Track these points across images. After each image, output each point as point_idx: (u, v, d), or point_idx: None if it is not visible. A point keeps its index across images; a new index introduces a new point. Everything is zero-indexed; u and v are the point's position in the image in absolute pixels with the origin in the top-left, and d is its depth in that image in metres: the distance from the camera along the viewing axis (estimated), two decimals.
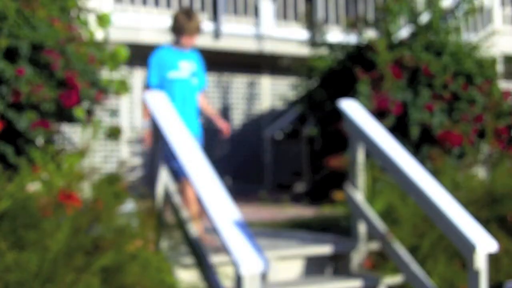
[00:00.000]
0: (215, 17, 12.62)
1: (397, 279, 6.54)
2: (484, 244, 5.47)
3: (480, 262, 5.46)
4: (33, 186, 5.37)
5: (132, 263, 5.12)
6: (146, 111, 6.29)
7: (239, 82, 14.34)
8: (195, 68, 6.79)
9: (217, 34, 12.52)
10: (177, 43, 6.70)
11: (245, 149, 14.27)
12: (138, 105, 12.21)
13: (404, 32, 10.48)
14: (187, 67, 6.67)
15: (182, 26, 6.56)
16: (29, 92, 6.26)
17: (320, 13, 13.59)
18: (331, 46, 10.78)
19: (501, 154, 9.79)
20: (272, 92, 14.67)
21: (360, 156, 6.90)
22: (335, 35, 11.50)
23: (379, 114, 9.24)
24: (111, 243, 5.13)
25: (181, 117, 6.29)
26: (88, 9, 7.59)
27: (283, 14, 13.69)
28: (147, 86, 6.60)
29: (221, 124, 7.06)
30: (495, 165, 9.17)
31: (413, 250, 6.56)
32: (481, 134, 10.08)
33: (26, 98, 6.26)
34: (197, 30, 6.63)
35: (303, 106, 11.08)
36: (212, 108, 7.18)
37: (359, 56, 10.14)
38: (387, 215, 6.87)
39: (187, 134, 5.82)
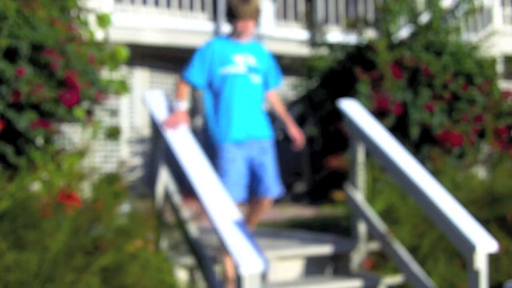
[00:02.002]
0: (215, 17, 12.61)
1: (397, 279, 6.54)
2: (484, 244, 5.47)
3: (480, 262, 5.47)
4: (33, 186, 5.38)
5: (132, 263, 5.12)
6: (180, 92, 5.79)
7: None
8: (256, 62, 5.86)
9: (217, 34, 12.50)
10: (233, 33, 5.84)
11: None
12: (138, 105, 12.20)
13: (404, 32, 10.48)
14: (244, 61, 5.78)
15: (236, 10, 5.67)
16: (29, 92, 6.26)
17: (320, 13, 13.58)
18: (331, 46, 10.78)
19: (501, 154, 9.79)
20: None
21: (360, 156, 6.90)
22: (335, 35, 11.49)
23: (379, 114, 9.24)
24: (111, 243, 5.13)
25: (235, 119, 5.72)
26: (88, 9, 7.58)
27: (283, 14, 13.68)
28: (182, 79, 5.82)
29: (293, 132, 6.18)
30: (495, 165, 9.18)
31: (413, 250, 6.56)
32: (481, 134, 10.07)
33: (26, 98, 6.26)
34: (255, 14, 5.71)
35: (303, 106, 11.08)
36: (285, 111, 6.29)
37: (359, 56, 10.14)
38: (387, 215, 6.88)
39: (186, 133, 5.82)
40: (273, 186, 5.81)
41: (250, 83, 5.80)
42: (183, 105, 5.80)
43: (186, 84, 5.81)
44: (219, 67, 5.74)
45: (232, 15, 5.74)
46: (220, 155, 5.71)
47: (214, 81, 5.76)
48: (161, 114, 5.97)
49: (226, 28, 12.54)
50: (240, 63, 5.76)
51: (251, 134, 5.80)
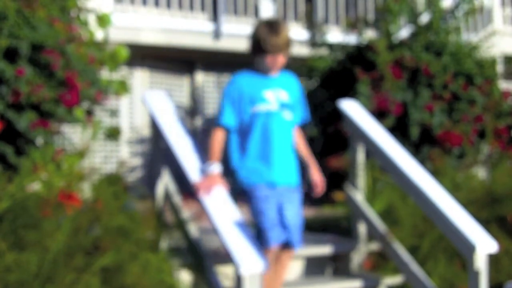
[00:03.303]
0: (215, 17, 12.61)
1: (397, 279, 6.54)
2: (484, 244, 5.47)
3: (480, 263, 5.46)
4: (33, 186, 5.37)
5: (132, 264, 5.12)
6: (214, 147, 5.24)
7: None
8: (288, 96, 5.28)
9: (217, 34, 12.50)
10: (260, 66, 5.22)
11: None
12: (138, 106, 12.20)
13: (404, 32, 10.48)
14: (275, 97, 5.21)
15: (264, 43, 5.03)
16: (29, 92, 6.25)
17: (320, 13, 13.58)
18: (331, 46, 10.77)
19: (501, 154, 9.79)
20: None
21: (360, 156, 6.90)
22: (335, 35, 11.49)
23: (379, 114, 9.24)
24: (111, 243, 5.13)
25: (268, 163, 5.20)
26: (88, 9, 7.58)
27: (283, 14, 13.67)
28: (218, 125, 5.26)
29: (316, 177, 5.61)
30: (495, 165, 9.18)
31: (413, 251, 6.56)
32: (481, 134, 10.07)
33: (26, 98, 6.26)
34: (286, 46, 5.09)
35: None
36: (308, 151, 5.68)
37: (359, 56, 10.13)
38: (387, 215, 6.88)
39: (184, 133, 5.81)
40: (297, 238, 5.26)
41: (282, 121, 5.22)
42: (217, 167, 5.21)
43: (222, 130, 5.23)
44: (248, 105, 5.17)
45: (259, 49, 5.09)
46: (253, 195, 5.18)
47: (244, 120, 5.20)
48: (161, 114, 5.96)
49: (226, 28, 12.55)
50: (272, 99, 5.17)
51: (282, 180, 5.25)
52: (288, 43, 5.10)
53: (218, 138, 5.24)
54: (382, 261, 6.69)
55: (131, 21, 11.56)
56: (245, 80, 5.22)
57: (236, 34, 12.75)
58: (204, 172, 5.23)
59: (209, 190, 5.13)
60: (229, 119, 5.21)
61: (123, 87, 7.45)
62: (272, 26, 5.06)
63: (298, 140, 5.53)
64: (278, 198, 5.17)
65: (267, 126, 5.17)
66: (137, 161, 12.18)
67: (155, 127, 6.16)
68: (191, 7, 12.46)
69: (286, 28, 5.10)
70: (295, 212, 5.26)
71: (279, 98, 5.20)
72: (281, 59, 5.11)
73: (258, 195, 5.15)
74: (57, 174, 5.62)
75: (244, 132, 5.23)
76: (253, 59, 5.23)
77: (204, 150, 5.68)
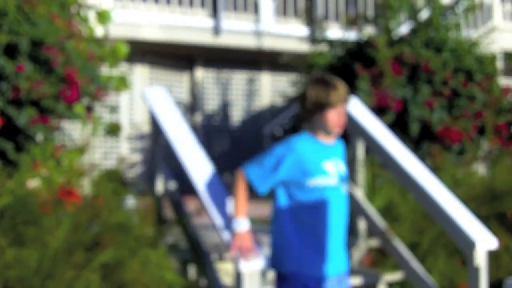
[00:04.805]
0: (214, 13, 12.61)
1: (397, 275, 6.54)
2: (484, 241, 5.47)
3: (480, 259, 5.46)
4: (33, 183, 5.37)
5: (132, 260, 5.12)
6: (240, 200, 4.50)
7: (238, 79, 14.33)
8: (344, 167, 4.54)
9: (216, 30, 12.50)
10: (319, 127, 4.44)
11: (244, 145, 14.27)
12: (137, 102, 12.20)
13: (404, 28, 10.47)
14: (336, 169, 4.44)
15: (326, 96, 4.33)
16: (29, 89, 6.25)
17: (319, 10, 13.57)
18: (331, 43, 10.77)
19: (501, 150, 9.79)
20: (272, 89, 14.67)
21: (360, 152, 6.90)
22: (335, 31, 11.49)
23: (379, 110, 9.24)
24: (111, 239, 5.13)
25: (320, 250, 4.35)
26: (88, 6, 7.58)
27: (283, 10, 13.68)
28: (246, 175, 4.44)
29: None
30: (495, 161, 9.18)
31: (413, 247, 6.56)
32: (481, 131, 10.07)
33: (26, 94, 6.26)
34: (347, 98, 4.41)
35: None
36: None
37: (359, 53, 10.13)
38: (387, 211, 6.88)
39: (184, 129, 5.81)
40: None
41: (341, 197, 4.45)
42: (246, 224, 4.50)
43: (246, 183, 4.47)
44: (305, 177, 4.34)
45: (319, 105, 4.37)
46: (294, 285, 4.37)
47: (296, 194, 4.37)
48: (161, 110, 5.96)
49: (226, 24, 12.54)
50: (332, 172, 4.40)
51: (335, 269, 4.41)
52: (348, 95, 4.43)
53: (244, 185, 4.47)
54: (382, 257, 6.69)
55: (131, 18, 11.55)
56: (305, 146, 4.38)
57: (236, 31, 12.75)
58: (233, 230, 4.52)
59: (247, 251, 4.49)
60: (260, 180, 4.39)
61: (123, 83, 7.45)
62: (326, 81, 4.41)
63: None
64: None
65: (325, 204, 4.37)
66: (137, 157, 12.18)
67: (155, 123, 6.15)
68: (191, 3, 12.46)
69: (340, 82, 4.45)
70: None
71: (339, 170, 4.45)
72: (344, 113, 4.42)
73: (297, 286, 4.35)
74: (57, 170, 5.62)
75: (297, 210, 4.38)
76: (308, 122, 4.48)
77: (204, 147, 5.68)
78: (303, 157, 4.34)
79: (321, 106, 4.37)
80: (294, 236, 4.36)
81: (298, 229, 4.36)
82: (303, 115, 4.48)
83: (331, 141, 4.48)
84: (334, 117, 4.38)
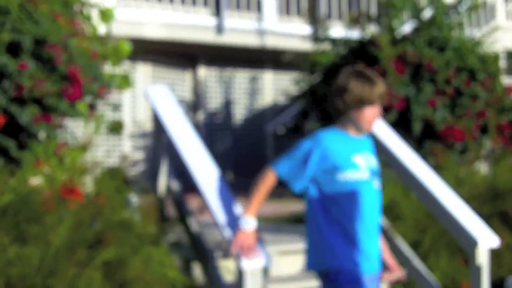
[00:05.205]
0: (217, 12, 12.61)
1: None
2: (486, 239, 5.47)
3: (482, 258, 5.47)
4: (36, 180, 5.38)
5: (134, 258, 5.13)
6: (257, 195, 4.33)
7: (241, 77, 14.33)
8: (375, 162, 4.40)
9: (219, 29, 12.50)
10: (351, 123, 4.29)
11: (247, 144, 14.28)
12: (140, 100, 12.21)
13: (407, 27, 10.47)
14: (366, 163, 4.29)
15: (365, 93, 4.18)
16: (31, 87, 6.26)
17: (322, 8, 13.57)
18: (334, 41, 10.77)
19: (504, 149, 9.79)
20: (275, 87, 14.67)
21: None
22: (338, 30, 11.49)
23: (382, 109, 9.24)
24: (113, 237, 5.14)
25: (355, 244, 4.20)
26: (91, 4, 7.58)
27: (285, 9, 13.67)
28: (275, 172, 4.27)
29: (389, 259, 4.54)
30: (497, 160, 9.18)
31: (415, 245, 6.57)
32: (484, 130, 10.07)
33: (29, 92, 6.26)
34: (383, 96, 4.27)
35: (305, 101, 11.07)
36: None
37: (361, 51, 10.13)
38: (390, 210, 6.88)
39: (187, 128, 5.81)
40: None
41: (373, 191, 4.29)
42: (253, 223, 4.39)
43: (276, 178, 4.31)
44: (335, 171, 4.19)
45: (357, 101, 4.20)
46: (333, 282, 4.22)
47: (327, 189, 4.22)
48: (163, 108, 5.96)
49: (228, 23, 12.54)
50: (363, 165, 4.25)
51: (369, 266, 4.24)
52: (384, 93, 4.28)
53: (268, 184, 4.32)
54: None
55: (133, 16, 11.56)
56: (333, 139, 4.22)
57: (238, 29, 12.76)
58: (239, 227, 4.45)
59: (249, 249, 4.44)
60: (298, 182, 4.23)
61: (125, 82, 7.45)
62: (369, 76, 4.23)
63: None
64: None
65: (357, 197, 4.23)
66: (139, 155, 12.19)
67: (157, 121, 6.16)
68: (194, 1, 12.46)
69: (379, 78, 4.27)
70: None
71: (369, 164, 4.29)
72: (379, 112, 4.28)
73: (342, 282, 4.18)
74: (60, 168, 5.63)
75: (329, 205, 4.23)
76: (339, 116, 4.31)
77: (207, 145, 5.68)
78: (331, 151, 4.19)
79: (361, 102, 4.21)
80: (330, 232, 4.21)
81: (332, 225, 4.21)
82: (334, 108, 4.29)
83: (360, 135, 4.32)
84: (370, 115, 4.24)
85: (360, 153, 4.26)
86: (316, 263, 4.26)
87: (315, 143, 4.21)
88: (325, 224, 4.22)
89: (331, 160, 4.18)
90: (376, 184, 4.32)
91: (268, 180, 4.30)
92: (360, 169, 4.21)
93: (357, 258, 4.17)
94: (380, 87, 4.21)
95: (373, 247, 4.24)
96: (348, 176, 4.19)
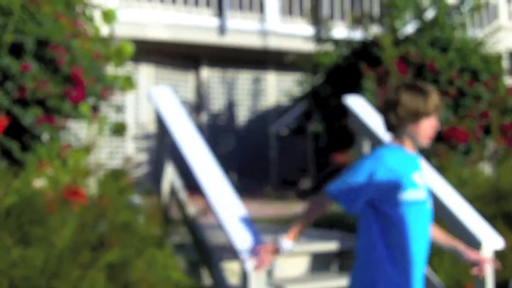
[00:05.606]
0: (220, 12, 12.61)
1: None
2: (490, 240, 5.46)
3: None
4: (39, 182, 5.37)
5: (138, 259, 5.12)
6: (303, 222, 4.20)
7: (244, 78, 14.33)
8: (426, 180, 4.18)
9: (222, 30, 12.50)
10: (408, 138, 4.01)
11: (250, 145, 14.27)
12: (143, 101, 12.21)
13: (409, 28, 10.47)
14: (422, 181, 4.03)
15: (422, 104, 3.93)
16: (34, 88, 6.26)
17: (325, 9, 13.57)
18: (337, 42, 10.77)
19: (507, 150, 9.78)
20: (277, 88, 14.66)
21: (366, 151, 6.89)
22: (341, 31, 11.49)
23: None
24: (117, 239, 5.13)
25: (407, 271, 3.95)
26: (93, 5, 7.58)
27: (288, 9, 13.67)
28: (332, 196, 4.03)
29: (472, 255, 4.25)
30: (501, 161, 9.16)
31: None
32: (487, 131, 10.06)
33: (32, 93, 6.26)
34: (439, 108, 4.02)
35: (308, 102, 11.08)
36: (446, 235, 4.46)
37: (364, 52, 10.13)
38: None
39: (190, 129, 5.81)
40: None
41: (428, 212, 4.05)
42: (291, 247, 4.25)
43: (330, 205, 4.11)
44: (396, 191, 3.92)
45: (413, 114, 3.95)
46: None
47: (386, 210, 3.96)
48: (167, 110, 5.95)
49: (231, 23, 12.53)
50: (421, 184, 4.00)
51: None
52: (439, 103, 4.03)
53: (321, 210, 4.16)
54: None
55: (136, 17, 11.56)
56: (393, 157, 3.96)
57: (241, 30, 12.75)
58: (276, 244, 4.28)
59: (261, 261, 4.31)
60: (353, 205, 3.99)
61: (128, 83, 7.45)
62: (422, 88, 4.00)
63: (435, 231, 4.37)
64: None
65: (416, 218, 3.97)
66: (142, 157, 12.19)
67: (160, 123, 6.15)
68: (196, 2, 12.46)
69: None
70: None
71: (424, 182, 4.05)
72: (436, 124, 4.01)
73: None
74: (63, 170, 5.62)
75: (384, 225, 3.99)
76: (395, 131, 4.05)
77: (210, 146, 5.68)
78: (393, 169, 3.92)
79: (416, 115, 3.96)
80: (386, 254, 3.97)
81: (390, 248, 3.96)
82: (390, 123, 4.04)
83: (414, 151, 4.07)
84: (427, 127, 3.97)
85: (417, 170, 4.02)
86: (364, 283, 4.06)
87: (377, 162, 3.94)
88: (381, 245, 3.97)
89: (393, 179, 3.92)
90: (430, 203, 4.10)
91: (322, 206, 4.12)
92: (419, 188, 3.97)
93: (410, 283, 3.97)
94: (434, 97, 3.97)
95: (421, 271, 4.03)
96: (409, 196, 3.93)
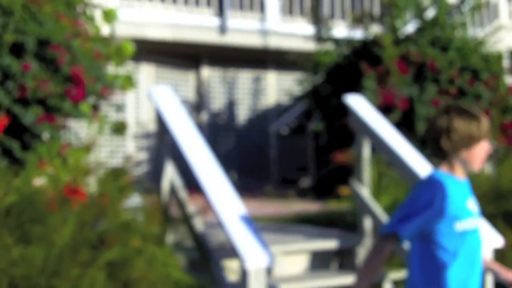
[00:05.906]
0: (220, 12, 12.61)
1: (402, 274, 6.54)
2: (490, 239, 5.46)
3: (486, 258, 5.46)
4: (39, 181, 5.38)
5: (138, 258, 5.13)
6: (376, 262, 3.83)
7: (244, 77, 14.33)
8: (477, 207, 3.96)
9: (222, 29, 12.50)
10: (455, 165, 3.85)
11: (250, 144, 14.28)
12: (143, 101, 12.22)
13: (410, 27, 10.48)
14: (475, 209, 3.84)
15: (475, 128, 3.78)
16: (35, 87, 6.27)
17: (326, 8, 13.57)
18: (337, 41, 10.77)
19: (507, 149, 9.78)
20: (278, 87, 14.67)
21: (366, 151, 6.89)
22: (341, 30, 11.49)
23: (385, 109, 9.23)
24: (117, 237, 5.14)
25: None
26: (94, 5, 7.59)
27: (288, 9, 13.67)
28: (391, 235, 3.72)
29: (510, 275, 4.06)
30: (501, 160, 9.16)
31: None
32: None
33: (32, 93, 6.27)
34: (489, 132, 3.86)
35: (308, 101, 11.08)
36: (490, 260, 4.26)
37: (365, 51, 10.13)
38: (393, 210, 6.87)
39: (191, 128, 5.81)
40: None
41: (480, 239, 3.87)
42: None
43: (393, 242, 3.78)
44: (453, 221, 3.73)
45: (465, 140, 3.82)
46: None
47: (442, 242, 3.75)
48: (167, 109, 5.96)
49: (232, 23, 12.54)
50: (474, 212, 3.83)
51: None
52: (490, 127, 3.86)
53: (384, 254, 3.80)
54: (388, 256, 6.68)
55: (136, 16, 11.56)
56: (449, 185, 3.73)
57: (241, 29, 12.76)
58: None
59: None
60: (407, 231, 3.71)
61: (129, 82, 7.46)
62: (468, 112, 3.86)
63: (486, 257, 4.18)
64: None
65: (471, 250, 3.79)
66: (143, 156, 12.19)
67: (161, 122, 6.16)
68: (197, 2, 12.46)
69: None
70: None
71: (476, 210, 3.87)
72: (488, 148, 3.85)
73: None
74: (63, 169, 5.63)
75: (441, 258, 3.77)
76: (446, 157, 3.87)
77: (210, 145, 5.68)
78: (450, 198, 3.69)
79: (470, 141, 3.82)
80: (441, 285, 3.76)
81: (446, 280, 3.74)
82: (441, 149, 3.86)
83: (464, 177, 3.90)
84: (480, 151, 3.83)
85: (470, 197, 3.83)
86: None
87: (434, 190, 3.71)
88: (441, 279, 3.75)
89: (450, 209, 3.69)
90: (480, 231, 3.88)
91: (385, 253, 3.80)
92: (473, 216, 3.77)
93: None
94: (485, 122, 3.81)
95: None
96: (465, 225, 3.74)
